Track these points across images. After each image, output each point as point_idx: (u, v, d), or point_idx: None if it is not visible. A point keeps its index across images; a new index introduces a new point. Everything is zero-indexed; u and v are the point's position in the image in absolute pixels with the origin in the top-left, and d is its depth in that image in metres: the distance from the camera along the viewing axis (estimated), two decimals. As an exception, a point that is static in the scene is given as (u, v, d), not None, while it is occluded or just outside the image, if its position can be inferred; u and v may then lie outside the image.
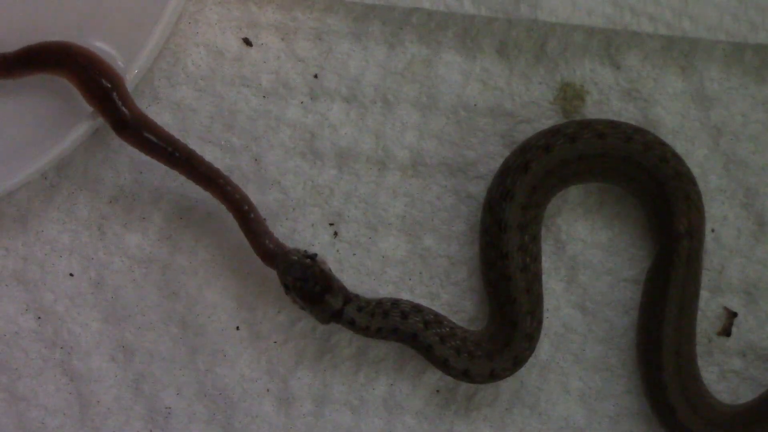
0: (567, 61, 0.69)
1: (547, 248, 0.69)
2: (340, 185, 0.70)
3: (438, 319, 0.67)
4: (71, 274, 0.70)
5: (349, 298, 0.66)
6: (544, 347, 0.69)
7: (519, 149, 0.67)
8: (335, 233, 0.70)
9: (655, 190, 0.66)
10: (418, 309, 0.66)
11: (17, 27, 0.68)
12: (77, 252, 0.70)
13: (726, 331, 0.69)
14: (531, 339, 0.66)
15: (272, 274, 0.68)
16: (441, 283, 0.69)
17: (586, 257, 0.70)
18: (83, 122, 0.66)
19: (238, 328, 0.70)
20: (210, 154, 0.69)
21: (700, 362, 0.68)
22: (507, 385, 0.69)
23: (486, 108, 0.69)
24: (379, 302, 0.66)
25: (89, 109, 0.65)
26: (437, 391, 0.69)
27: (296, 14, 0.70)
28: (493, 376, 0.66)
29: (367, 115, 0.69)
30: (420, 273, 0.69)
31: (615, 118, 0.68)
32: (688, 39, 0.69)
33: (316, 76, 0.70)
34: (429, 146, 0.69)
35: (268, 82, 0.70)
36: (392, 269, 0.70)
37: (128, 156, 0.70)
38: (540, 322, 0.67)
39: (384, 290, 0.69)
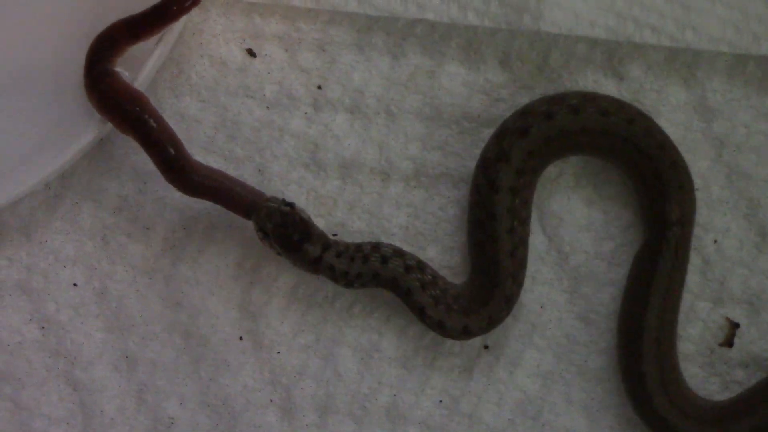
0: (570, 73, 0.69)
1: (549, 260, 0.69)
2: (344, 196, 0.69)
3: (421, 266, 0.66)
4: (75, 284, 0.70)
5: (328, 244, 0.65)
6: (547, 358, 0.69)
7: (519, 112, 0.67)
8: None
9: (650, 175, 0.66)
10: (399, 253, 0.66)
11: (20, 40, 0.68)
12: (81, 262, 0.70)
13: (728, 342, 0.69)
14: (509, 301, 0.66)
15: (276, 284, 0.69)
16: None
17: (588, 268, 0.69)
18: (87, 132, 0.65)
19: (241, 338, 0.69)
20: (214, 165, 0.69)
21: (701, 373, 0.68)
22: (510, 395, 0.68)
23: (489, 119, 0.69)
24: (359, 246, 0.66)
25: (93, 119, 0.65)
26: (440, 401, 0.69)
27: (300, 25, 0.69)
28: (467, 333, 0.66)
29: (371, 126, 0.69)
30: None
31: (618, 130, 0.69)
32: (690, 50, 0.68)
33: (319, 87, 0.69)
34: (432, 157, 0.69)
35: (272, 92, 0.70)
36: None
37: (132, 166, 0.70)
38: (520, 285, 0.67)
39: (385, 301, 0.69)
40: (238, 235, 0.69)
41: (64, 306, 0.70)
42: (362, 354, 0.69)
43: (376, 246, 0.66)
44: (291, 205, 0.65)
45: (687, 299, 0.69)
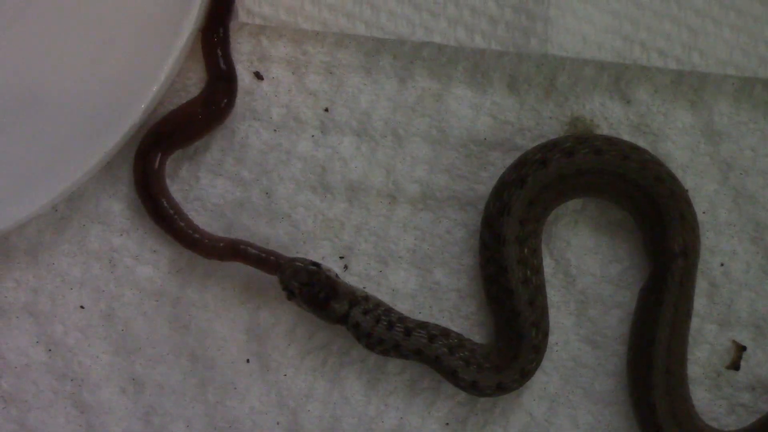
0: (577, 96, 0.69)
1: (556, 282, 0.68)
2: (351, 219, 0.69)
3: (445, 332, 0.66)
4: (82, 307, 0.70)
5: (356, 300, 0.65)
6: (554, 381, 0.68)
7: (515, 164, 0.67)
8: (345, 266, 0.69)
9: (650, 209, 0.66)
10: (422, 325, 0.66)
11: (28, 64, 0.69)
12: (88, 284, 0.70)
13: (735, 365, 0.68)
14: (538, 350, 0.66)
15: (283, 307, 0.68)
16: (451, 317, 0.69)
17: (595, 291, 0.69)
18: (94, 155, 0.65)
19: (248, 360, 0.69)
20: (221, 188, 0.70)
21: (708, 396, 0.68)
22: (516, 417, 0.68)
23: (496, 142, 0.69)
24: (388, 310, 0.66)
25: (100, 141, 0.65)
26: (447, 423, 0.68)
27: (307, 48, 0.69)
28: (501, 389, 0.66)
29: (378, 148, 0.69)
30: (430, 306, 0.69)
31: (625, 153, 0.68)
32: (697, 73, 0.68)
33: (326, 110, 0.69)
34: (439, 180, 0.69)
35: (279, 115, 0.70)
36: (402, 303, 0.69)
37: None
38: (546, 333, 0.67)
39: None
40: None
41: (71, 328, 0.70)
42: (368, 376, 0.69)
43: (402, 318, 0.66)
44: (317, 265, 0.66)
45: (694, 322, 0.68)
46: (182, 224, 0.68)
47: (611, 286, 0.69)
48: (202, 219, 0.70)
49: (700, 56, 0.68)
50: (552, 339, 0.68)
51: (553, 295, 0.69)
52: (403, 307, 0.69)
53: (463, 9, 0.68)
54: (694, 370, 0.68)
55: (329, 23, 0.68)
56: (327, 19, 0.68)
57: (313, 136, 0.69)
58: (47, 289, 0.70)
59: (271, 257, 0.66)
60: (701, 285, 0.68)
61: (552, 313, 0.68)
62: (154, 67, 0.66)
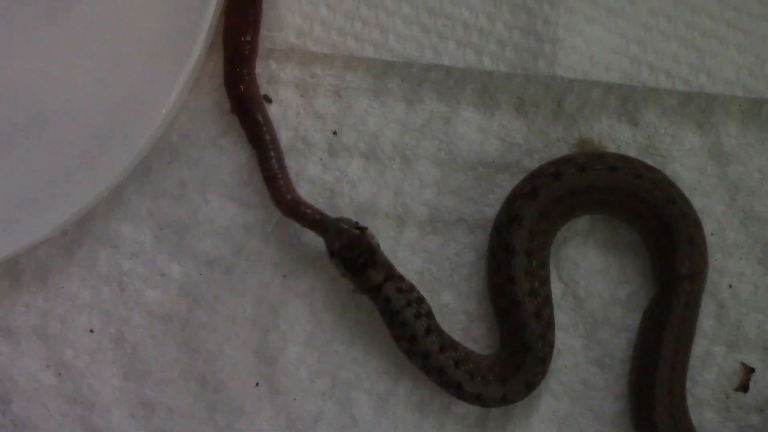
0: (585, 118, 0.68)
1: (565, 305, 0.68)
2: None
3: (453, 343, 0.66)
4: (91, 330, 0.70)
5: (392, 275, 0.65)
6: (563, 403, 0.68)
7: (529, 176, 0.67)
8: (354, 289, 0.67)
9: (660, 229, 0.66)
10: (439, 330, 0.65)
11: (36, 86, 0.69)
12: (97, 308, 0.70)
13: (743, 387, 0.68)
14: (543, 363, 0.66)
15: (293, 330, 0.69)
16: (460, 340, 0.67)
17: (604, 314, 0.68)
18: (104, 178, 0.65)
19: (257, 384, 0.69)
20: (230, 210, 0.69)
21: (717, 418, 0.68)
22: (527, 440, 0.68)
23: (504, 164, 0.68)
24: (421, 298, 0.65)
25: (110, 164, 0.65)
26: (455, 446, 0.68)
27: (315, 71, 0.69)
28: (506, 400, 0.65)
29: (386, 171, 0.68)
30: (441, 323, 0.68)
31: (633, 175, 0.68)
32: (705, 95, 0.68)
33: (335, 133, 0.69)
34: (448, 202, 0.68)
35: (288, 138, 0.69)
36: None
37: (148, 211, 0.70)
38: (552, 345, 0.66)
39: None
40: (255, 281, 0.69)
41: (81, 352, 0.70)
42: (378, 399, 0.68)
43: (430, 311, 0.66)
44: (363, 229, 0.65)
45: (702, 344, 0.68)
46: (272, 155, 0.67)
47: (620, 309, 0.68)
48: (210, 242, 0.69)
49: (707, 77, 0.67)
50: (561, 361, 0.68)
51: (562, 317, 0.68)
52: None
53: (471, 31, 0.68)
54: (702, 392, 0.68)
55: (338, 46, 0.68)
56: (336, 41, 0.68)
57: (321, 158, 0.69)
58: (57, 313, 0.70)
59: (318, 216, 0.65)
60: (709, 306, 0.68)
61: (561, 336, 0.68)
62: (164, 89, 0.65)
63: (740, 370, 0.68)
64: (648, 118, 0.68)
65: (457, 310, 0.68)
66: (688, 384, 0.67)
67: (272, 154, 0.67)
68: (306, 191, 0.68)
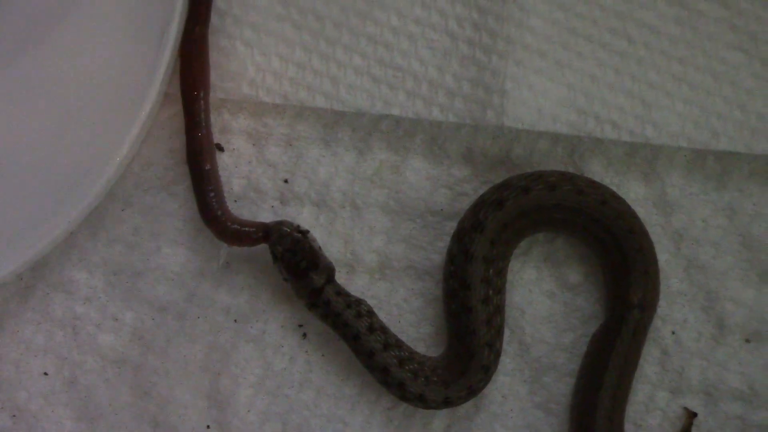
0: (532, 168, 0.68)
1: (511, 350, 0.68)
2: None
3: (399, 344, 0.66)
4: (45, 373, 0.69)
5: (331, 279, 0.65)
6: (510, 448, 0.68)
7: (497, 186, 0.67)
8: (304, 334, 0.69)
9: (618, 258, 0.66)
10: (383, 329, 0.65)
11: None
12: (51, 352, 0.70)
13: (686, 431, 0.68)
14: (487, 370, 0.65)
15: (244, 374, 0.68)
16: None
17: (550, 359, 0.68)
18: (58, 226, 0.64)
19: (208, 426, 0.69)
20: (182, 256, 0.69)
21: (660, 462, 0.68)
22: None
23: (453, 213, 0.68)
24: (359, 300, 0.65)
25: (65, 211, 0.64)
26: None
27: (267, 121, 0.70)
28: (448, 403, 0.65)
29: (336, 219, 0.68)
30: (388, 373, 0.68)
31: (578, 224, 0.68)
32: (650, 146, 0.69)
33: (286, 181, 0.69)
34: (397, 250, 0.69)
35: (240, 186, 0.69)
36: (358, 369, 0.67)
37: (102, 258, 0.70)
38: (498, 354, 0.66)
39: (350, 391, 0.68)
40: (207, 326, 0.69)
41: (35, 395, 0.70)
42: None
43: (371, 311, 0.65)
44: (304, 232, 0.65)
45: (646, 389, 0.68)
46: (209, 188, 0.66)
47: (565, 354, 0.69)
48: (163, 288, 0.69)
49: (653, 129, 0.68)
50: (507, 406, 0.68)
51: (509, 363, 0.68)
52: (358, 375, 0.68)
53: (421, 82, 0.68)
54: None
55: (290, 96, 0.69)
56: (287, 92, 0.69)
57: (272, 206, 0.69)
58: (11, 357, 0.70)
59: (259, 232, 0.65)
60: (653, 353, 0.68)
61: (507, 381, 0.68)
62: (118, 139, 0.65)
63: (683, 415, 0.68)
64: (594, 168, 0.69)
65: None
66: (632, 429, 0.68)
67: (210, 190, 0.66)
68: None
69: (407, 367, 0.65)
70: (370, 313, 0.65)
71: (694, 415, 0.68)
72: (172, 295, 0.69)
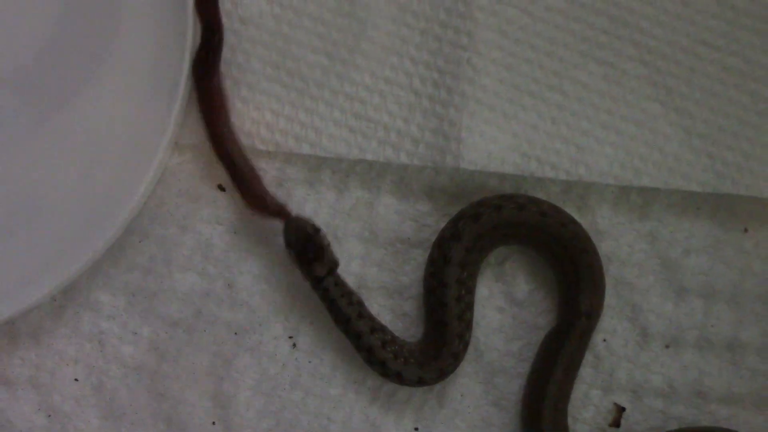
0: (483, 203, 0.68)
1: (468, 356, 0.69)
2: (297, 306, 0.71)
3: (382, 327, 0.69)
4: (76, 380, 0.71)
5: (333, 271, 0.67)
6: (466, 438, 0.71)
7: (475, 203, 0.68)
8: (294, 344, 0.71)
9: (571, 272, 0.69)
10: (371, 317, 0.68)
11: (27, 178, 0.70)
12: (81, 361, 0.71)
13: (616, 423, 0.71)
14: (456, 357, 0.68)
15: (243, 378, 0.71)
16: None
17: (500, 363, 0.71)
18: (86, 255, 0.66)
19: (214, 423, 0.70)
20: (190, 280, 0.71)
21: (594, 448, 0.72)
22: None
23: (418, 241, 0.71)
24: (351, 291, 0.68)
25: (90, 243, 0.66)
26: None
27: (262, 165, 0.71)
28: (421, 382, 0.68)
29: (320, 248, 0.70)
30: (365, 372, 0.70)
31: (522, 251, 0.70)
32: (583, 183, 0.70)
33: (278, 215, 0.68)
34: (371, 273, 0.71)
35: (238, 220, 0.71)
36: (341, 373, 0.71)
37: (123, 281, 0.71)
38: (467, 344, 0.68)
39: (334, 392, 0.71)
40: (211, 338, 0.71)
41: (67, 398, 0.71)
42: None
43: (361, 301, 0.68)
44: (317, 230, 0.67)
45: (582, 388, 0.71)
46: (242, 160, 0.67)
47: (513, 359, 0.71)
48: (174, 307, 0.71)
49: (585, 169, 0.69)
50: (465, 403, 0.71)
51: (466, 367, 0.70)
52: (341, 376, 0.71)
53: (390, 132, 0.70)
54: (581, 427, 0.71)
55: (280, 144, 0.70)
56: (278, 141, 0.70)
57: (267, 237, 0.70)
58: (47, 366, 0.71)
59: (284, 210, 0.67)
60: (588, 358, 0.70)
61: (465, 381, 0.71)
62: (135, 182, 0.67)
63: (613, 410, 0.71)
64: None
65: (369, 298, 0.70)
66: (570, 421, 0.70)
67: (243, 162, 0.68)
68: (254, 264, 0.71)
69: (389, 349, 0.67)
70: (360, 303, 0.68)
71: (623, 409, 0.71)
72: (182, 313, 0.71)
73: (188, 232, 0.72)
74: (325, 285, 0.67)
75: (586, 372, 0.71)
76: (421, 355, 0.68)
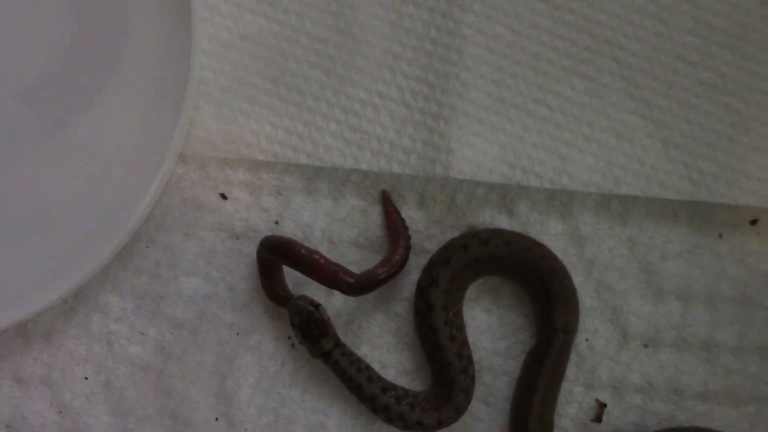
0: (472, 210, 0.72)
1: (457, 356, 0.70)
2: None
3: (393, 386, 0.69)
4: (86, 378, 0.72)
5: (338, 343, 0.68)
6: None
7: (443, 247, 0.69)
8: (292, 344, 0.73)
9: (543, 293, 0.70)
10: (379, 378, 0.69)
11: (40, 188, 0.71)
12: (91, 360, 0.72)
13: (598, 418, 0.73)
14: (467, 392, 0.69)
15: (245, 376, 0.72)
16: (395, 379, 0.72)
17: (488, 362, 0.72)
18: (94, 261, 0.68)
19: (216, 418, 0.72)
20: (194, 284, 0.72)
21: (576, 444, 0.72)
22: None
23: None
24: (358, 358, 0.69)
25: (99, 250, 0.67)
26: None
27: (261, 174, 0.72)
28: (441, 424, 0.69)
29: (318, 252, 0.68)
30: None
31: (510, 256, 0.71)
32: (566, 191, 0.72)
33: (276, 223, 0.72)
34: (366, 276, 0.70)
35: (240, 227, 0.72)
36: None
37: (130, 285, 0.72)
38: (473, 378, 0.69)
39: (329, 389, 0.73)
40: (214, 339, 0.72)
41: (78, 395, 0.72)
42: (311, 430, 0.72)
43: (368, 366, 0.69)
44: (317, 306, 0.68)
45: (565, 385, 0.72)
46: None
47: (500, 358, 0.73)
48: (179, 309, 0.72)
49: (568, 178, 0.71)
50: None
51: None
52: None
53: (383, 143, 0.71)
54: (565, 423, 0.72)
55: (279, 155, 0.71)
56: (277, 151, 0.71)
57: None
58: (59, 365, 0.72)
59: (286, 296, 0.68)
60: (571, 357, 0.72)
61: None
62: (142, 191, 0.68)
63: (595, 405, 0.73)
64: (521, 210, 0.72)
65: (372, 359, 0.72)
66: (555, 417, 0.72)
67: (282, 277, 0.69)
68: (255, 269, 0.72)
69: (404, 402, 0.68)
70: (368, 367, 0.69)
71: (604, 405, 0.73)
72: (187, 314, 0.72)
73: (192, 238, 0.73)
74: (335, 358, 0.68)
75: (569, 370, 0.73)
76: (435, 399, 0.69)
